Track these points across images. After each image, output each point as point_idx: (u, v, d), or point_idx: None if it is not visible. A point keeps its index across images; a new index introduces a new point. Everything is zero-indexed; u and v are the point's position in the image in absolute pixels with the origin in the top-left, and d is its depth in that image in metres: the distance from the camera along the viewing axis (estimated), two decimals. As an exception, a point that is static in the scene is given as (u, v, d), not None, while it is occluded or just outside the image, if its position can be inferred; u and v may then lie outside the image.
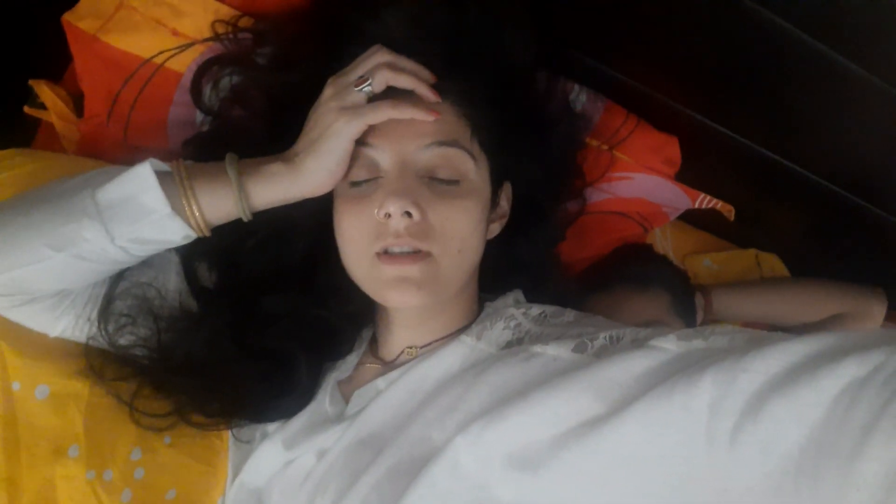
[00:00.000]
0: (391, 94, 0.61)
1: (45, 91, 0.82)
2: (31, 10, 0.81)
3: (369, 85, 0.61)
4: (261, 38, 0.77)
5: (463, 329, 0.69)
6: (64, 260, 0.59)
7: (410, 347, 0.70)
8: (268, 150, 0.65)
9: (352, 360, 0.74)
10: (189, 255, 0.72)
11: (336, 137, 0.60)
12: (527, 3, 0.73)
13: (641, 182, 0.98)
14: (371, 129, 0.62)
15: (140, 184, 0.59)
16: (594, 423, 0.50)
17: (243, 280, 0.72)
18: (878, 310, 1.14)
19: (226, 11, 0.78)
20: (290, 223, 0.70)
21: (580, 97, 0.91)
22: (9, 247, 0.59)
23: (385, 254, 0.61)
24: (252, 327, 0.70)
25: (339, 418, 0.68)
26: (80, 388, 0.68)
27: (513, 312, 0.70)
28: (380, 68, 0.61)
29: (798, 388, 0.41)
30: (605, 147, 0.94)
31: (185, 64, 0.79)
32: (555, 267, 0.90)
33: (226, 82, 0.78)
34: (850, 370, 0.39)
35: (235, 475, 0.73)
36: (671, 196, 1.01)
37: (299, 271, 0.72)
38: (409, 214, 0.59)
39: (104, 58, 0.78)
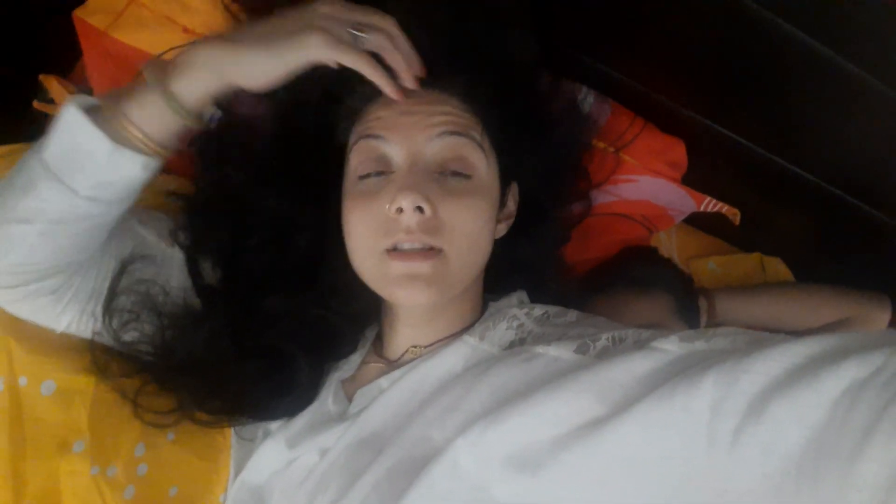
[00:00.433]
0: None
1: (54, 86, 0.82)
2: (41, 6, 0.81)
3: (362, 36, 0.59)
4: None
5: (466, 329, 0.69)
6: (41, 229, 0.58)
7: (414, 347, 0.70)
8: (275, 147, 0.64)
9: (355, 359, 0.74)
10: (192, 252, 0.72)
11: (300, 49, 0.57)
12: (527, 4, 0.73)
13: (647, 185, 0.97)
14: (379, 121, 0.62)
15: (73, 129, 0.57)
16: (595, 424, 0.50)
17: (245, 279, 0.72)
18: (882, 316, 1.13)
19: (235, 8, 0.78)
20: (293, 221, 0.70)
21: (588, 99, 0.91)
22: None
23: (395, 250, 0.61)
24: (252, 327, 0.70)
25: (342, 417, 0.67)
26: (86, 383, 0.68)
27: (516, 313, 0.70)
28: (381, 32, 0.60)
29: (799, 389, 0.41)
30: (611, 149, 0.94)
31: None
32: (558, 268, 0.90)
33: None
34: (850, 372, 0.39)
35: (237, 473, 0.72)
36: (676, 199, 1.01)
37: (301, 270, 0.72)
38: (420, 210, 0.59)
39: (114, 54, 0.79)
